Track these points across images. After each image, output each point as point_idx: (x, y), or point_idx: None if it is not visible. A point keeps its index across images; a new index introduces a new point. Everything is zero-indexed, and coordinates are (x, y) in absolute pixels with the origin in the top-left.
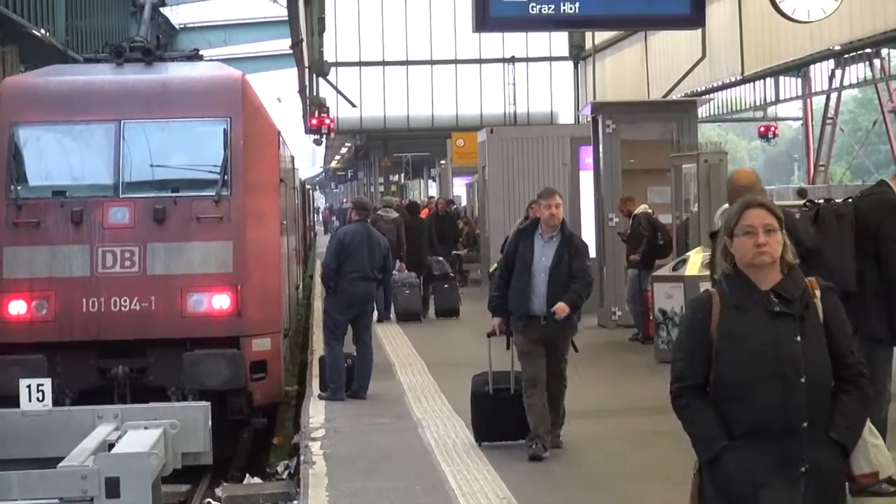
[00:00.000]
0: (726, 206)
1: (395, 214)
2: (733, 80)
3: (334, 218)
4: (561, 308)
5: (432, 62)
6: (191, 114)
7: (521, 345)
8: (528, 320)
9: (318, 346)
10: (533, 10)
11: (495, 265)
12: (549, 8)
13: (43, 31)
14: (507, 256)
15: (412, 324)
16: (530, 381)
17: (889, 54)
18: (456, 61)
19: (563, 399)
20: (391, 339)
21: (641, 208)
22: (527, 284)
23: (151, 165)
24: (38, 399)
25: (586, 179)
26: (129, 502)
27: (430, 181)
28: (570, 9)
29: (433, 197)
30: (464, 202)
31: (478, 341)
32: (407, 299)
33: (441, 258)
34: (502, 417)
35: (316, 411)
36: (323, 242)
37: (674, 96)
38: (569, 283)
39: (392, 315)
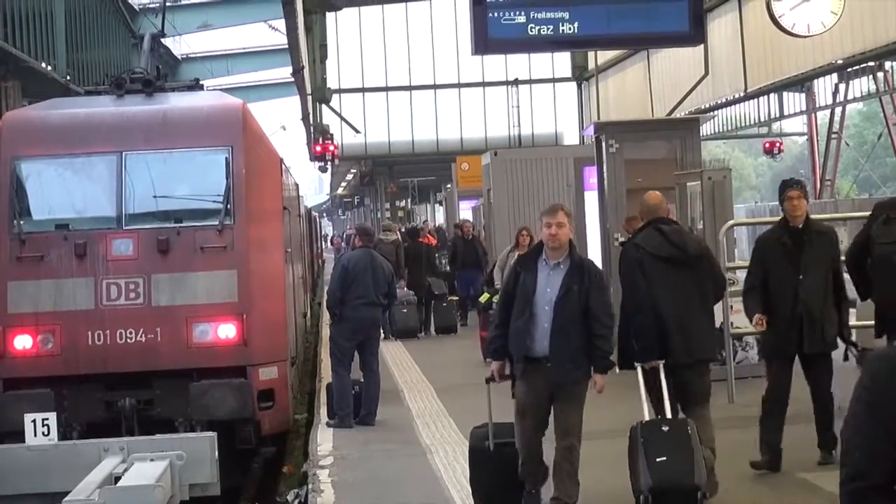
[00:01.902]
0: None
1: (394, 237)
2: (737, 96)
3: (344, 245)
4: (600, 384)
5: (435, 86)
6: (192, 144)
7: (520, 396)
8: (528, 364)
9: (326, 373)
10: (532, 31)
11: (486, 295)
12: (547, 29)
13: (45, 65)
14: (507, 289)
15: (412, 341)
16: (525, 445)
17: (893, 67)
18: (459, 85)
19: (572, 467)
20: (399, 365)
21: None
22: (528, 321)
23: (154, 196)
24: (43, 433)
25: (591, 200)
26: None
27: (436, 205)
28: (570, 29)
29: (426, 222)
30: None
31: (474, 355)
32: (405, 317)
33: (441, 280)
34: (505, 477)
35: (324, 439)
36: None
37: (678, 114)
38: (582, 322)
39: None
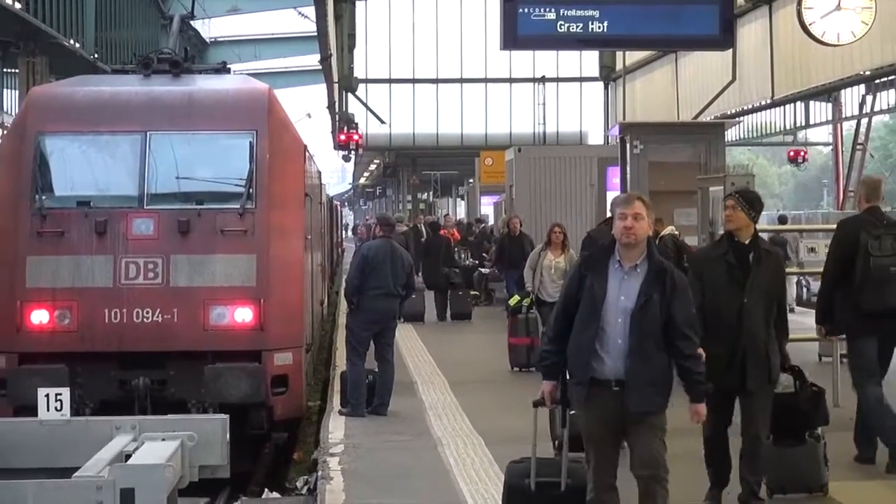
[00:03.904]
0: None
1: (404, 228)
2: (763, 103)
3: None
4: (700, 414)
5: (462, 80)
6: (217, 127)
7: (584, 426)
8: (592, 388)
9: (341, 361)
10: (561, 28)
11: (516, 298)
12: (577, 27)
13: (73, 42)
14: (567, 296)
15: (429, 332)
16: (598, 485)
17: None
18: (486, 80)
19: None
20: (414, 356)
21: (668, 230)
22: (595, 335)
23: (176, 177)
24: (56, 409)
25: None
26: None
27: (458, 199)
28: (599, 28)
29: (447, 215)
30: (491, 221)
31: (492, 351)
32: (412, 302)
33: (457, 270)
34: None
35: (336, 427)
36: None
37: (703, 119)
38: (663, 339)
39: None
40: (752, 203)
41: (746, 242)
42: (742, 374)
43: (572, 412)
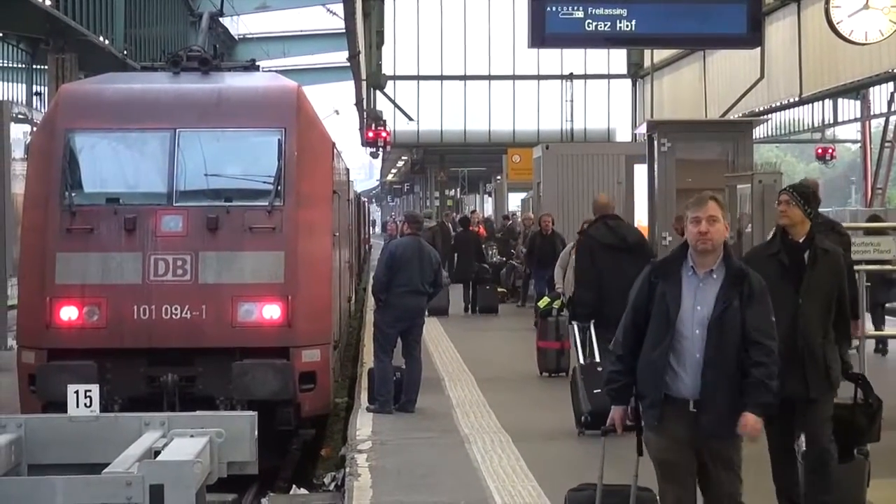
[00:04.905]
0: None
1: (432, 224)
2: (791, 101)
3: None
4: (750, 425)
5: (490, 77)
6: (246, 124)
7: (656, 450)
8: (667, 407)
9: (368, 358)
10: (589, 27)
11: (545, 300)
12: (605, 25)
13: (102, 39)
14: (636, 307)
15: (456, 328)
16: None
17: None
18: (514, 77)
19: None
20: (441, 353)
21: None
22: (669, 349)
23: (205, 174)
24: (85, 405)
25: (641, 198)
26: None
27: (485, 196)
28: (627, 26)
29: (474, 212)
30: (519, 218)
31: (520, 348)
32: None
33: (486, 266)
34: None
35: (363, 424)
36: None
37: (731, 116)
38: (737, 351)
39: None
40: (807, 198)
41: (801, 241)
42: (804, 381)
43: (596, 391)
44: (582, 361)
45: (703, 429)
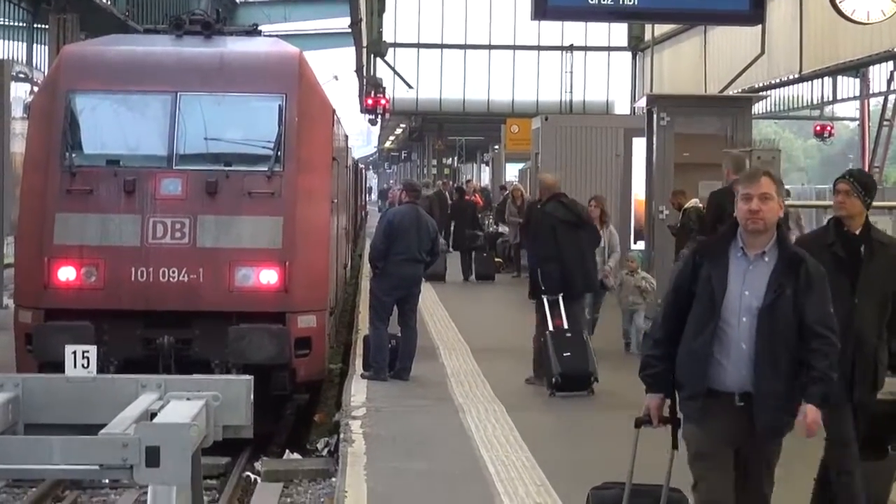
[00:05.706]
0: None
1: (430, 192)
2: (791, 77)
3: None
4: (810, 420)
5: (490, 47)
6: (247, 89)
7: (696, 443)
8: (709, 400)
9: (363, 325)
10: (592, 0)
11: None
12: None
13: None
14: (678, 289)
15: (453, 295)
16: None
17: None
18: (514, 47)
19: None
20: (436, 321)
21: (692, 202)
22: (713, 338)
23: (205, 138)
24: (83, 366)
25: (639, 172)
26: (168, 472)
27: (483, 165)
28: (630, 0)
29: (470, 181)
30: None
31: (514, 318)
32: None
33: (481, 233)
34: None
35: (358, 390)
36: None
37: (731, 92)
38: (793, 343)
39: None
40: (867, 188)
41: (857, 233)
42: (849, 383)
43: (566, 354)
44: (551, 327)
45: (756, 424)
